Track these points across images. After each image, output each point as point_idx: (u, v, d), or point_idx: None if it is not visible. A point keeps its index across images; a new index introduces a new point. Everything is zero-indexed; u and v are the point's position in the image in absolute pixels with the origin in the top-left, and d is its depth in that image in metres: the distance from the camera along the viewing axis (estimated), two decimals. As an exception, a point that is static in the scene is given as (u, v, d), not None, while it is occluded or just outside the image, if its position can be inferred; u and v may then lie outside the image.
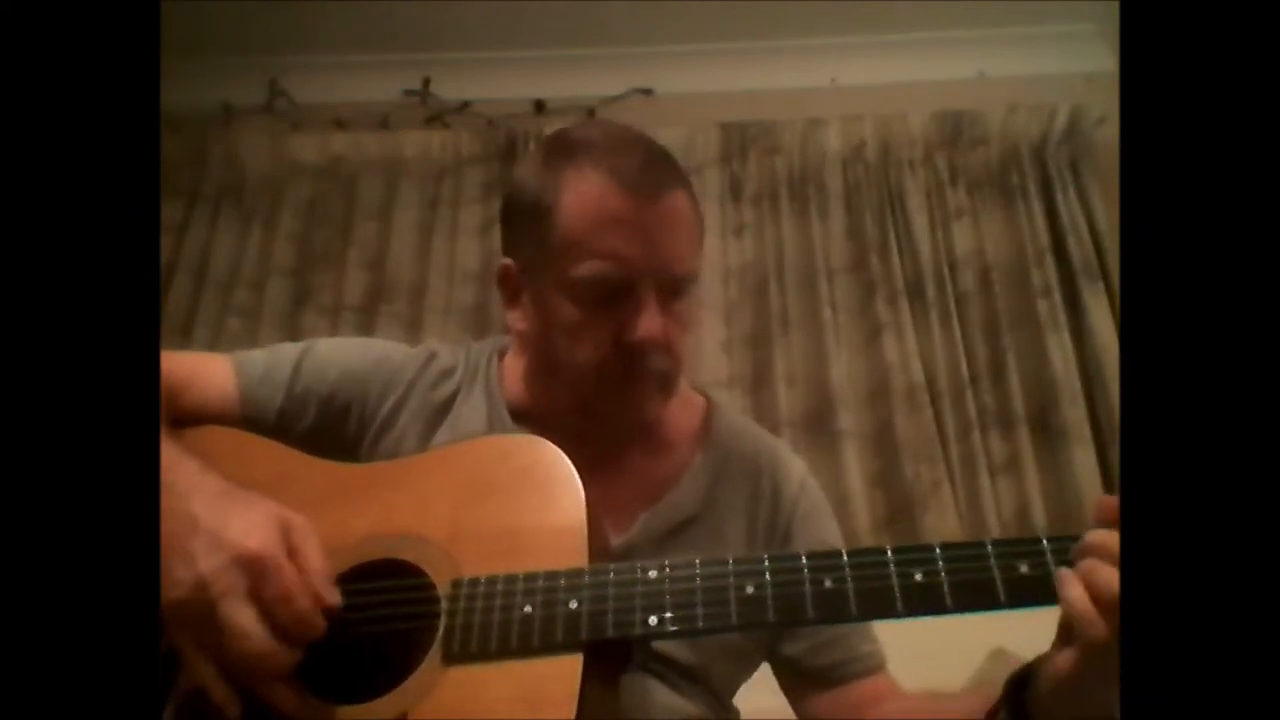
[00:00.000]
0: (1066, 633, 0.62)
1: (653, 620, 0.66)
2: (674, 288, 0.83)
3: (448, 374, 0.94)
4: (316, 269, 2.48)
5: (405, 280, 2.45)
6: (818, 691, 0.89)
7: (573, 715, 0.63)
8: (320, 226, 2.54)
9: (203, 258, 2.50)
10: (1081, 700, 0.62)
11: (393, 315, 2.40)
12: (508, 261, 0.90)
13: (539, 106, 2.60)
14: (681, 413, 0.95)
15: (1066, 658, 0.61)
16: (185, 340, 2.36)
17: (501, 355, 0.98)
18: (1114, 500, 0.61)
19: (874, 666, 0.89)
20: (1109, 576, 0.58)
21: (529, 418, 0.90)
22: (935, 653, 0.75)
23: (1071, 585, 0.60)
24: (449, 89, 2.62)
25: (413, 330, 2.38)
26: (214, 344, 2.35)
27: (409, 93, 2.63)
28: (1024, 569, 0.63)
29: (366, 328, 2.38)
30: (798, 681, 0.91)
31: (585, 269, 0.80)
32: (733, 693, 0.91)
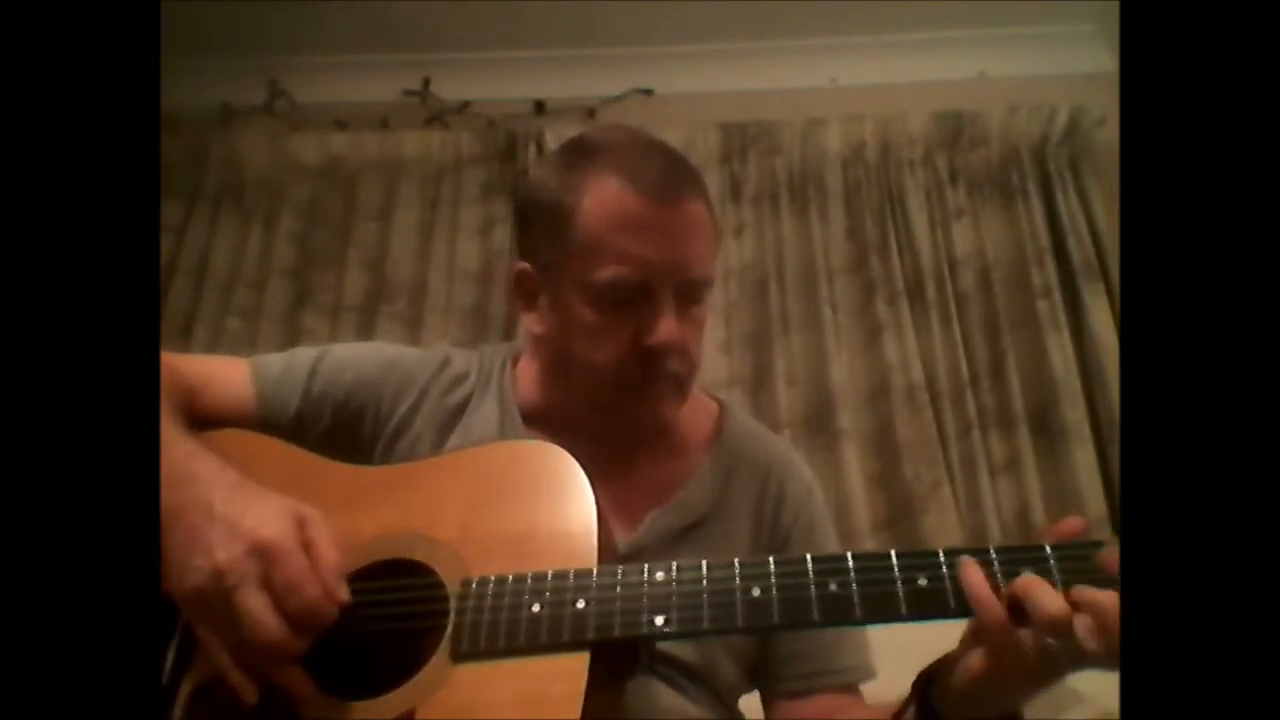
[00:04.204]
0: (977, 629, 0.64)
1: (659, 620, 0.67)
2: (690, 292, 0.84)
3: (461, 379, 0.95)
4: (316, 269, 2.48)
5: (405, 280, 2.45)
6: (783, 699, 0.89)
7: (577, 715, 0.63)
8: (320, 226, 2.54)
9: (203, 258, 2.50)
10: (990, 696, 0.64)
11: (393, 315, 2.40)
12: (525, 265, 0.90)
13: (539, 106, 2.60)
14: (694, 416, 0.96)
15: (978, 654, 0.63)
16: (185, 340, 2.35)
17: (515, 361, 0.99)
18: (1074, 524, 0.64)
19: (846, 683, 0.89)
20: (1050, 594, 0.59)
21: (542, 421, 0.91)
22: (936, 652, 0.75)
23: (971, 570, 0.63)
24: (449, 89, 2.62)
25: (413, 330, 2.38)
26: (214, 344, 2.35)
27: (409, 93, 2.63)
28: (1027, 575, 0.63)
29: (366, 328, 2.38)
30: (767, 685, 0.91)
31: (605, 272, 0.81)
32: (738, 696, 0.92)
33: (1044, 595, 0.60)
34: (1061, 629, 0.58)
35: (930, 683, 0.70)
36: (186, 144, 2.57)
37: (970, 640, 0.65)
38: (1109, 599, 0.58)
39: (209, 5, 2.37)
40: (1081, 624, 0.58)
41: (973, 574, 0.63)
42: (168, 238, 2.49)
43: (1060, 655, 0.59)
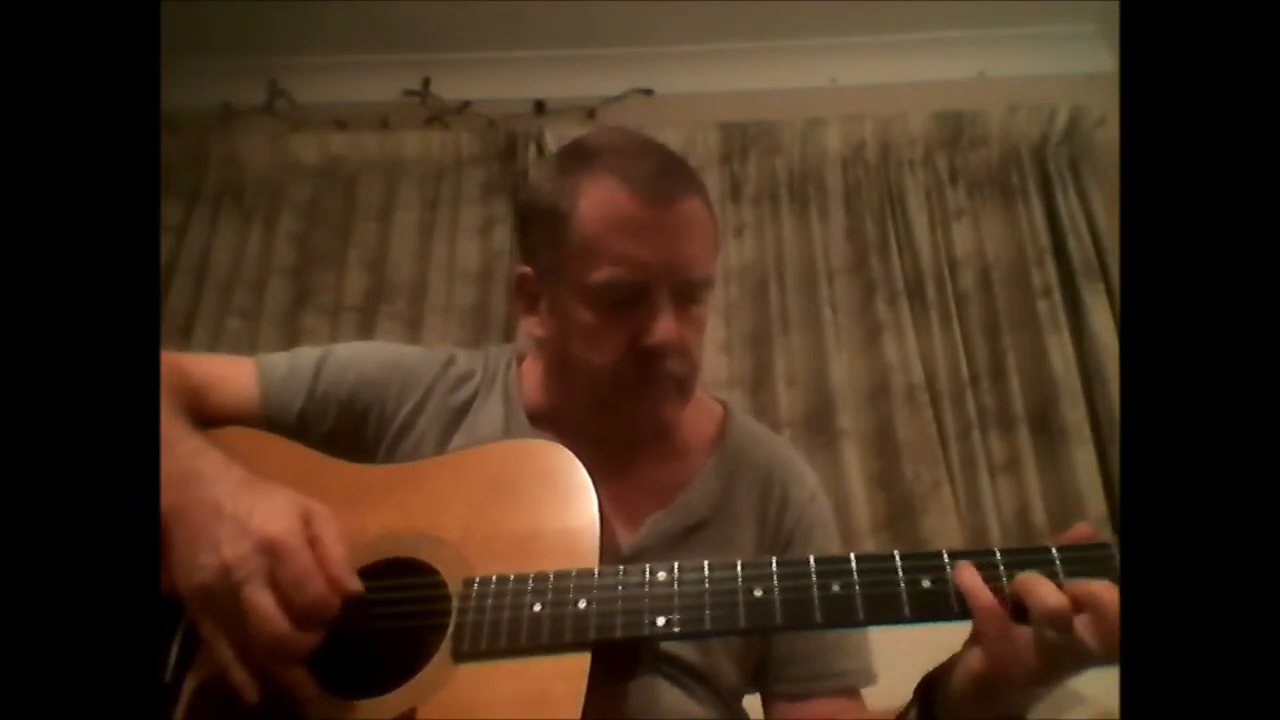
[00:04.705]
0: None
1: (660, 621, 0.66)
2: (689, 293, 0.84)
3: (466, 378, 0.95)
4: (316, 269, 2.48)
5: (405, 280, 2.45)
6: (781, 702, 0.90)
7: (577, 715, 0.63)
8: (320, 226, 2.54)
9: (203, 258, 2.50)
10: (991, 698, 0.64)
11: (393, 315, 2.40)
12: (526, 269, 0.91)
13: (539, 106, 2.60)
14: (697, 419, 0.96)
15: (976, 655, 0.63)
16: (185, 340, 2.35)
17: (520, 361, 0.99)
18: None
19: (845, 686, 0.89)
20: (1049, 590, 0.60)
21: (546, 421, 0.91)
22: (941, 657, 0.75)
23: (965, 570, 0.63)
24: (449, 89, 2.62)
25: (413, 330, 2.38)
26: (214, 344, 2.35)
27: (409, 93, 2.63)
28: (1027, 572, 0.62)
29: (366, 328, 2.38)
30: (766, 687, 0.91)
31: (601, 274, 0.81)
32: (740, 697, 0.92)
33: (1043, 589, 0.60)
34: (1061, 622, 0.58)
35: (933, 688, 0.69)
36: (186, 144, 2.57)
37: (970, 641, 0.65)
38: (1108, 594, 0.58)
39: (209, 5, 2.37)
40: (1081, 622, 0.58)
41: (966, 573, 0.63)
42: (168, 238, 2.49)
43: (1061, 651, 0.59)
